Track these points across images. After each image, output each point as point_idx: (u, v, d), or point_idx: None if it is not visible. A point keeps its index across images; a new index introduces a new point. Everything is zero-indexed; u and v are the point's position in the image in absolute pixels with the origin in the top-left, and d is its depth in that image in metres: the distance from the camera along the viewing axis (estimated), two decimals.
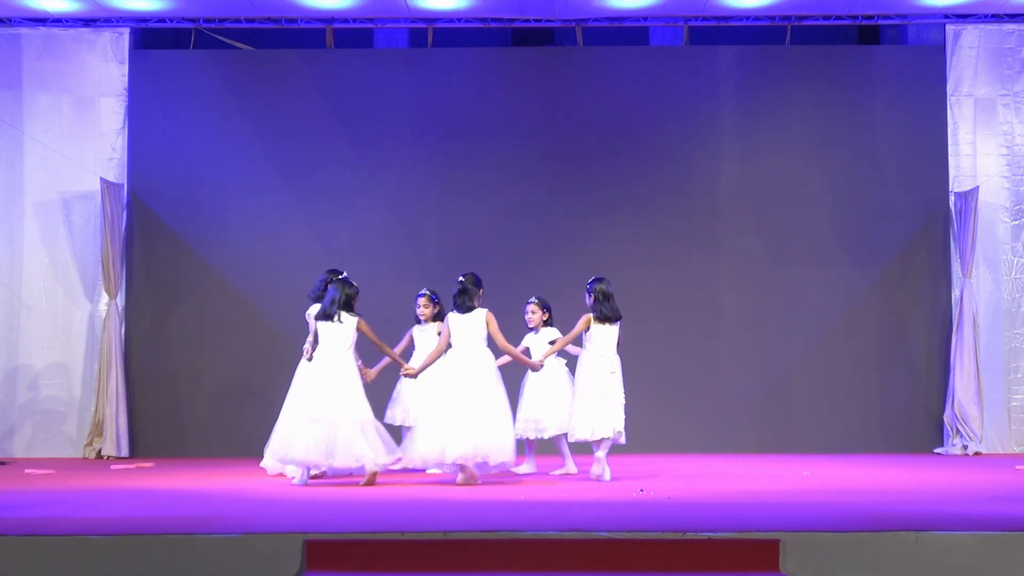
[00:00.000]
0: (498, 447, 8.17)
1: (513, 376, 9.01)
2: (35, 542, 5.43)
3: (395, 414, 9.32)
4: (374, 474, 8.24)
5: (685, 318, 11.37)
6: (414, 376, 8.62)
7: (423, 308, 9.23)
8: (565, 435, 8.84)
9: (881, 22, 11.56)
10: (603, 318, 8.46)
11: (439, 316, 9.16)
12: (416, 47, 12.05)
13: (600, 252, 11.28)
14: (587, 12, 11.28)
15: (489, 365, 8.37)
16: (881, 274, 11.39)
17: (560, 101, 11.58)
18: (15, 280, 11.35)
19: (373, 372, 8.83)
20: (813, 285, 11.39)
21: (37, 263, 11.37)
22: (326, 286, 8.72)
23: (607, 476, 8.38)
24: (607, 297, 8.49)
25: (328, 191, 11.49)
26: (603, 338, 8.47)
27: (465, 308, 8.37)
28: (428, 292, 9.29)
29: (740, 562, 5.36)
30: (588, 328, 8.49)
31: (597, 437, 8.39)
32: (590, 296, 8.56)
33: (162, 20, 11.40)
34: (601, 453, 8.42)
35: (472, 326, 8.35)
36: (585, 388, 8.45)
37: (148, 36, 11.81)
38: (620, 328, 8.57)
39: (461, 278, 8.46)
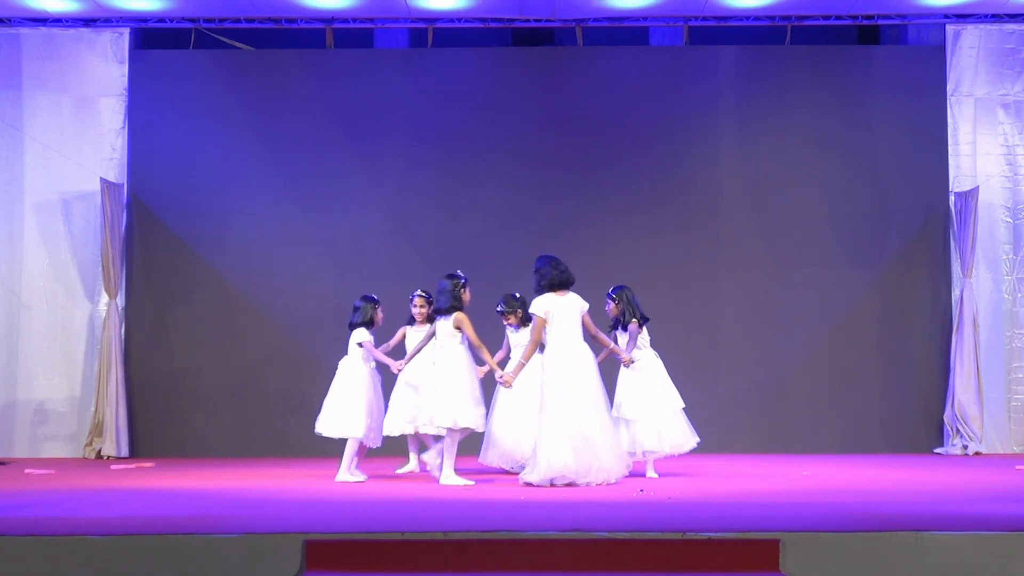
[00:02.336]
0: None
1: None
2: (35, 542, 5.43)
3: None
4: None
5: (685, 318, 11.37)
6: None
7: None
8: None
9: (881, 22, 11.57)
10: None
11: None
12: (416, 47, 12.05)
13: (600, 251, 11.28)
14: (587, 12, 11.28)
15: None
16: (881, 274, 11.39)
17: (560, 101, 11.58)
18: (15, 280, 11.35)
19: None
20: (813, 285, 11.39)
21: (37, 263, 11.37)
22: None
23: None
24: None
25: (328, 190, 11.50)
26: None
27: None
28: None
29: (740, 562, 5.35)
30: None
31: None
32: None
33: (162, 20, 11.40)
34: None
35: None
36: None
37: (148, 36, 11.81)
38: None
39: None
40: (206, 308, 11.41)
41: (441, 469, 8.24)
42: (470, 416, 8.13)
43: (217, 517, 6.25)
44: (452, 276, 8.37)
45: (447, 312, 8.25)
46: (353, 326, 8.83)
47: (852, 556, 5.38)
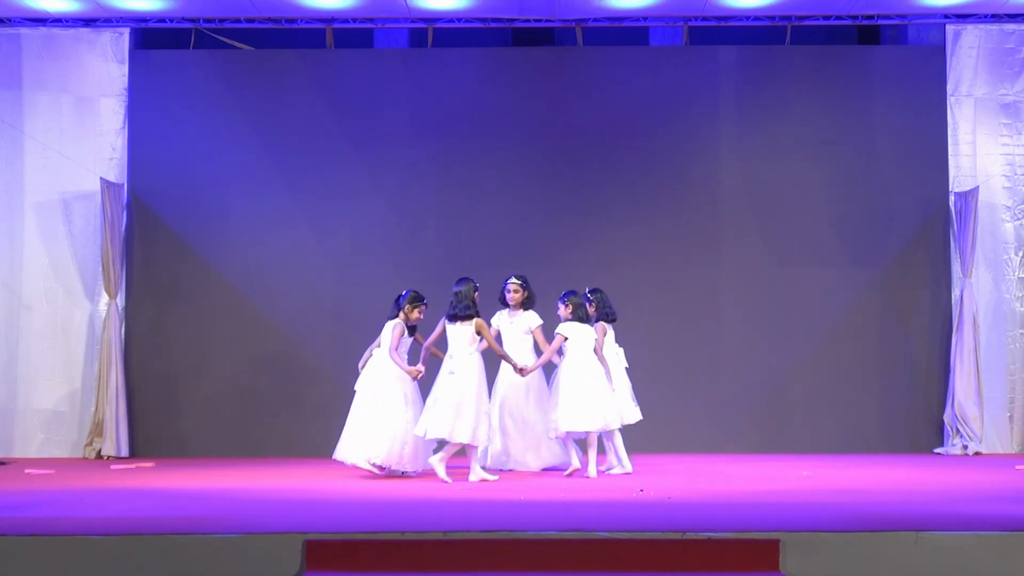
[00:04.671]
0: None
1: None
2: (35, 542, 5.43)
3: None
4: None
5: (685, 318, 11.37)
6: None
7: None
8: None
9: (881, 22, 11.56)
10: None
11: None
12: (416, 47, 12.05)
13: (600, 252, 11.29)
14: (587, 12, 11.28)
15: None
16: (881, 274, 11.39)
17: (560, 101, 11.57)
18: (15, 280, 11.34)
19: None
20: (813, 285, 11.39)
21: (37, 263, 11.36)
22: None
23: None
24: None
25: (328, 191, 11.49)
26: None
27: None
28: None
29: (740, 562, 5.36)
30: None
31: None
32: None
33: (162, 20, 11.40)
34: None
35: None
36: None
37: (148, 36, 11.80)
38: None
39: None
40: (206, 308, 11.40)
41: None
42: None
43: (217, 517, 6.26)
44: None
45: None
46: (587, 319, 8.99)
47: (852, 556, 5.38)
